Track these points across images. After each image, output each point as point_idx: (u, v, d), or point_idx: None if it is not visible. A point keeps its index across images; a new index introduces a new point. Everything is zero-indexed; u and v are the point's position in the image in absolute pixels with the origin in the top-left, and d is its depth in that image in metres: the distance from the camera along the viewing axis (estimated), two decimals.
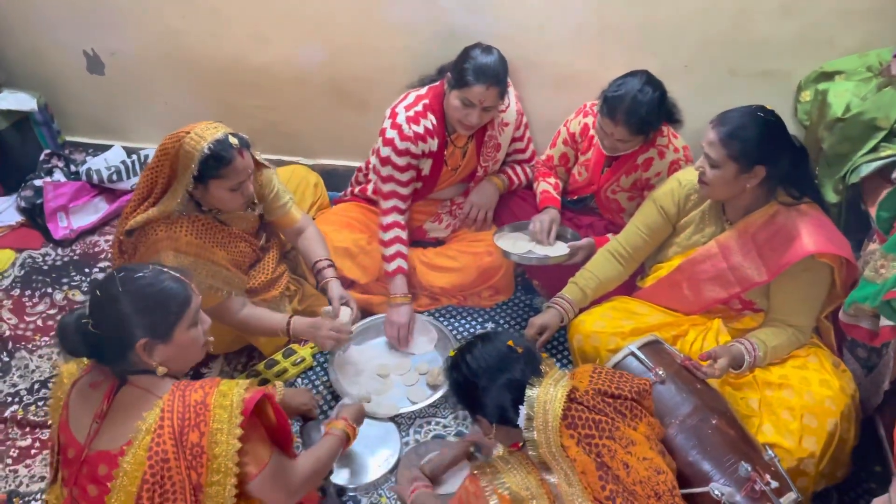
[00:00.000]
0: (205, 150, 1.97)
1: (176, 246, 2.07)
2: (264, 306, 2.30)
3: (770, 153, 1.91)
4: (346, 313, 2.22)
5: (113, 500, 1.40)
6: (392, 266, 2.49)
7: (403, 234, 2.51)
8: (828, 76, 2.38)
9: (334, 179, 3.05)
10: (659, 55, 2.55)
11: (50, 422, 1.64)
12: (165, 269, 1.53)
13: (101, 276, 1.51)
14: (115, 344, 1.46)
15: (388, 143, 2.40)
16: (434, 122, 2.42)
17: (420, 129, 2.40)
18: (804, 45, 2.45)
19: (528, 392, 1.50)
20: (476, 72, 2.24)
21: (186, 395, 1.44)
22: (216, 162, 1.99)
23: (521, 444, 1.58)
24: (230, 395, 1.44)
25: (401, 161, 2.41)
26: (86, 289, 2.75)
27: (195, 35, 2.89)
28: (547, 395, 1.49)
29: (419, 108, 2.42)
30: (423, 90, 2.48)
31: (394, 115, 2.42)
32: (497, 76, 2.27)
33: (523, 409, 1.49)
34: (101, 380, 1.51)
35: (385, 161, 2.42)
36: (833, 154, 2.16)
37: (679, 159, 2.31)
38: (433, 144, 2.44)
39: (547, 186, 2.56)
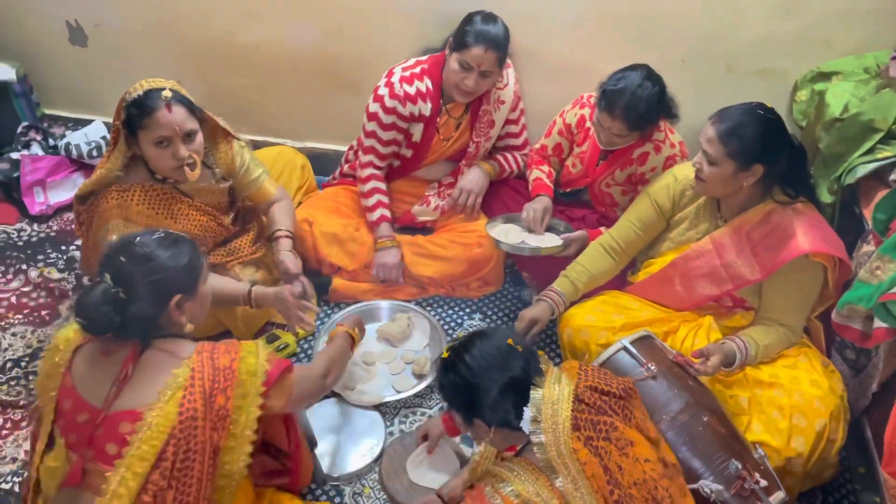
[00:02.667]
0: (133, 96, 1.93)
1: (126, 214, 2.02)
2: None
3: (769, 152, 1.89)
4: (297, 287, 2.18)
5: (132, 453, 1.37)
6: (375, 215, 2.53)
7: (382, 185, 2.56)
8: (825, 76, 2.38)
9: (323, 163, 2.99)
10: (657, 48, 2.53)
11: (34, 394, 1.62)
12: (171, 231, 1.57)
13: (112, 248, 1.52)
14: (148, 307, 1.47)
15: (378, 99, 2.41)
16: (429, 86, 2.43)
17: (412, 90, 2.40)
18: (802, 44, 2.45)
19: (534, 393, 1.42)
20: (476, 34, 2.26)
21: (215, 359, 1.47)
22: (138, 109, 1.94)
23: (518, 448, 1.52)
24: (255, 365, 1.49)
25: (386, 119, 2.42)
26: (62, 266, 2.66)
27: (184, 9, 2.80)
28: (553, 394, 1.42)
29: (416, 70, 2.43)
30: (425, 57, 2.49)
31: (390, 73, 2.43)
32: (497, 41, 2.27)
33: (527, 411, 1.41)
34: (116, 347, 1.49)
35: (372, 117, 2.44)
36: (829, 154, 2.16)
37: (675, 155, 2.29)
38: (425, 108, 2.43)
39: (540, 174, 2.53)
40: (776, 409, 1.89)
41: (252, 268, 2.35)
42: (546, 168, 2.55)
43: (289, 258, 2.24)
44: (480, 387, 1.45)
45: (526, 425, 1.41)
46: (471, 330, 2.47)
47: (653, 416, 1.76)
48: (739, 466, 1.69)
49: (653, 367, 1.85)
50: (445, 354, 1.54)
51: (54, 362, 1.51)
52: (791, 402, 1.88)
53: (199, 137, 2.06)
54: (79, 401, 1.46)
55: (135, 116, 1.95)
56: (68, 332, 1.54)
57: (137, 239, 1.49)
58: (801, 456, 1.83)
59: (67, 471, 1.46)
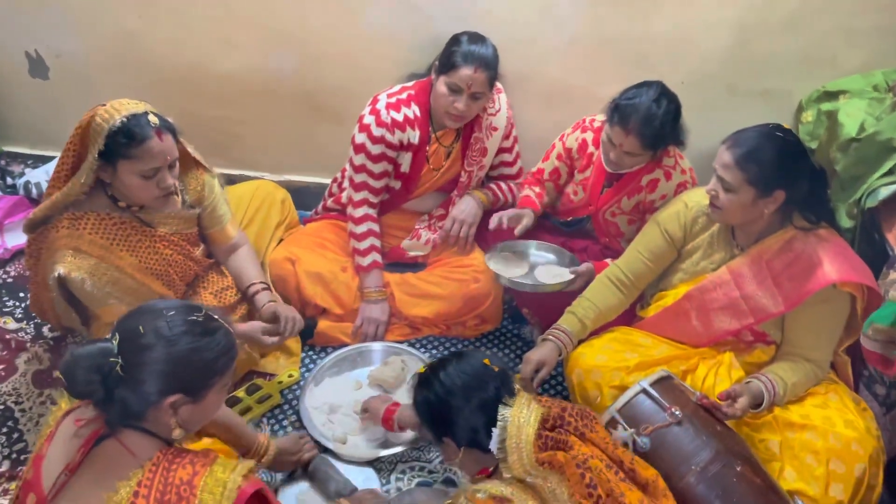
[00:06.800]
0: (116, 123, 1.72)
1: (77, 244, 1.83)
2: None
3: (790, 176, 1.77)
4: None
5: None
6: (367, 260, 2.37)
7: (376, 228, 2.42)
8: (831, 96, 2.29)
9: (305, 198, 2.82)
10: (655, 71, 2.41)
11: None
12: (216, 316, 1.33)
13: (137, 313, 1.30)
14: (140, 394, 1.23)
15: (364, 129, 2.26)
16: (417, 112, 2.29)
17: (399, 117, 2.26)
18: (806, 63, 2.37)
19: (502, 411, 1.42)
20: (464, 55, 2.14)
21: (171, 471, 1.20)
22: (126, 138, 1.74)
23: (491, 470, 1.47)
24: (224, 480, 1.20)
25: (375, 149, 2.27)
26: (20, 315, 2.44)
27: (153, 37, 2.64)
28: (521, 415, 1.41)
29: (402, 96, 2.29)
30: (411, 83, 2.35)
31: (374, 101, 2.29)
32: (486, 60, 2.16)
33: (496, 432, 1.40)
34: (88, 420, 1.28)
35: (359, 148, 2.28)
36: (847, 176, 2.05)
37: (686, 181, 2.17)
38: (413, 136, 2.29)
39: (529, 192, 2.40)
40: (811, 453, 1.74)
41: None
42: (537, 189, 2.41)
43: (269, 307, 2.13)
44: (451, 405, 1.48)
45: (494, 445, 1.42)
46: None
47: (679, 467, 1.63)
48: None
49: (677, 412, 1.70)
50: (422, 370, 1.58)
51: (48, 422, 1.33)
52: (827, 446, 1.73)
53: (178, 163, 1.90)
54: (37, 476, 1.25)
55: (121, 146, 1.74)
56: None
57: (171, 313, 1.27)
58: None
59: None
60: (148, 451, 1.24)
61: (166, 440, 1.30)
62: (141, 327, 1.24)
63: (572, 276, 2.16)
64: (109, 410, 1.25)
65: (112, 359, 1.22)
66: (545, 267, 2.27)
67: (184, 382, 1.25)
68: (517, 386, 1.50)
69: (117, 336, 1.24)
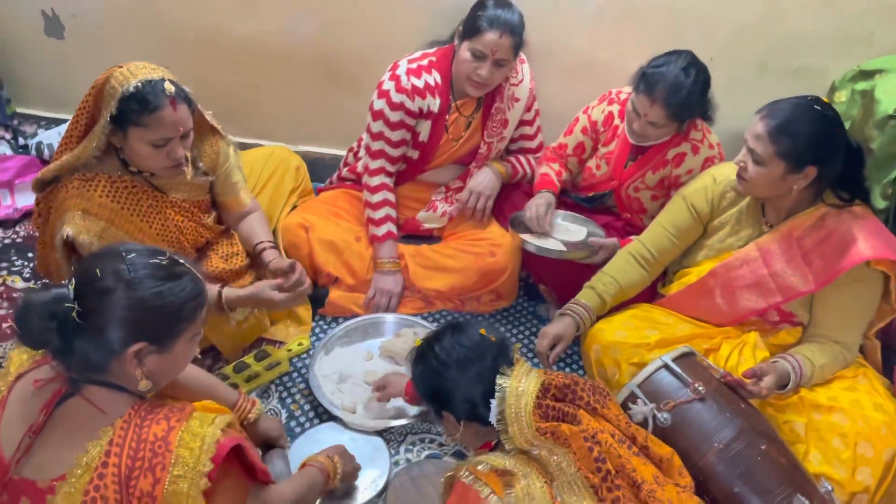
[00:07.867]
0: (129, 88, 1.66)
1: (86, 206, 1.77)
2: None
3: (824, 153, 1.70)
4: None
5: None
6: (382, 230, 2.33)
7: (392, 198, 2.37)
8: (867, 75, 2.21)
9: (320, 169, 2.77)
10: (684, 45, 2.30)
11: None
12: (182, 261, 1.25)
13: (95, 256, 1.24)
14: (99, 343, 1.16)
15: (384, 94, 2.21)
16: (438, 80, 2.23)
17: (420, 83, 2.20)
18: (841, 41, 2.29)
19: (500, 380, 1.36)
20: (490, 19, 2.08)
21: (144, 427, 1.13)
22: (139, 105, 1.67)
23: (493, 444, 1.43)
24: (202, 434, 1.13)
25: (394, 116, 2.21)
26: (28, 275, 2.41)
27: None
28: (519, 384, 1.36)
29: (423, 62, 2.24)
30: (432, 50, 2.29)
31: (395, 66, 2.23)
32: (512, 26, 2.10)
33: (494, 403, 1.35)
34: (48, 380, 1.21)
35: (377, 115, 2.23)
36: (883, 155, 1.97)
37: (713, 156, 2.10)
38: (433, 104, 2.23)
39: (548, 170, 2.34)
40: (837, 436, 1.67)
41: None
42: (556, 166, 2.35)
43: (279, 260, 2.03)
44: (449, 378, 1.43)
45: (493, 416, 1.37)
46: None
47: (700, 444, 1.58)
48: (806, 503, 1.47)
49: (700, 388, 1.64)
50: (418, 343, 1.54)
51: None
52: (855, 429, 1.66)
53: (192, 134, 1.84)
54: None
55: (133, 112, 1.68)
56: (22, 353, 1.27)
57: (131, 255, 1.18)
58: (868, 491, 1.62)
59: None
60: (119, 408, 1.17)
61: (139, 395, 1.23)
62: (98, 270, 1.16)
63: (585, 238, 2.15)
64: (69, 363, 1.19)
65: (68, 304, 1.14)
66: (564, 226, 2.26)
67: (147, 330, 1.18)
68: (516, 356, 1.45)
69: (73, 281, 1.17)
